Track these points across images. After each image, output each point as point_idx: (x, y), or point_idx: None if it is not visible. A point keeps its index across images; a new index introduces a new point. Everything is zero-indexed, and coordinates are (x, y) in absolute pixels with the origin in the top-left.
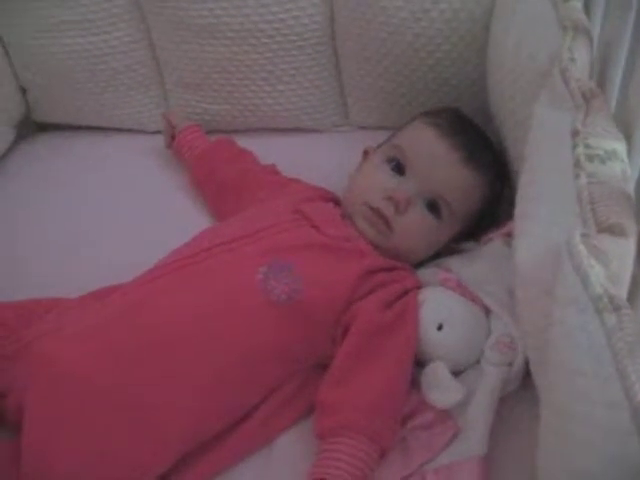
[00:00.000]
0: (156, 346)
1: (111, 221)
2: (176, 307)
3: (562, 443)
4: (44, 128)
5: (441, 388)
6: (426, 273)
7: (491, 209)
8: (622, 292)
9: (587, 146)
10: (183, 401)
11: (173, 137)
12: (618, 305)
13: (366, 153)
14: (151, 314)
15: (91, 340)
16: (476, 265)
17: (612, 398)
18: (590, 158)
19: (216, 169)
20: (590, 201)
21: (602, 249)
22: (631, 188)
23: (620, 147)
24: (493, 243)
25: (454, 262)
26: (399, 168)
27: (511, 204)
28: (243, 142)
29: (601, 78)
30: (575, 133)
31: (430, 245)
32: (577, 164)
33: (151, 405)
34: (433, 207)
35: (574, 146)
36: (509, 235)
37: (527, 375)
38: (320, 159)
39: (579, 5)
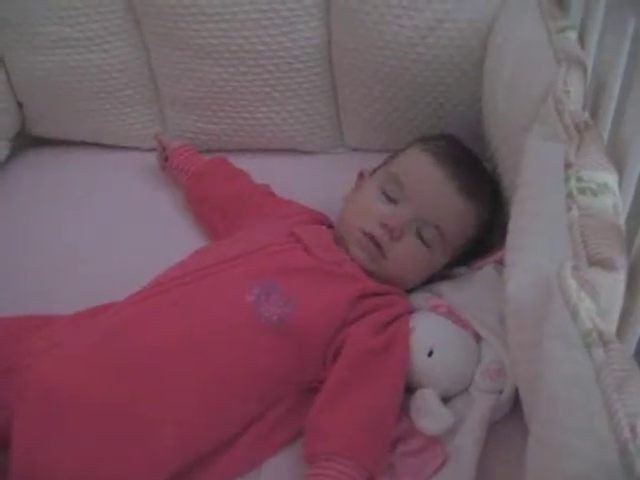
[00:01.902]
0: (146, 366)
1: (104, 238)
2: (167, 327)
3: (550, 476)
4: (40, 142)
5: (430, 415)
6: (417, 298)
7: (484, 237)
8: (611, 326)
9: (579, 179)
10: (171, 421)
11: (166, 158)
12: (607, 340)
13: (361, 176)
14: (142, 334)
15: (83, 358)
16: (467, 291)
17: (600, 433)
18: (582, 191)
19: (210, 189)
20: (581, 234)
21: (592, 283)
22: (622, 221)
23: (612, 180)
24: (484, 270)
25: (445, 288)
26: (394, 195)
27: (503, 231)
28: (238, 162)
29: (594, 108)
30: (568, 165)
31: (422, 272)
32: (569, 196)
33: (140, 424)
34: (427, 235)
35: (566, 179)
36: (500, 262)
37: (517, 402)
38: (315, 181)
39: (574, 36)
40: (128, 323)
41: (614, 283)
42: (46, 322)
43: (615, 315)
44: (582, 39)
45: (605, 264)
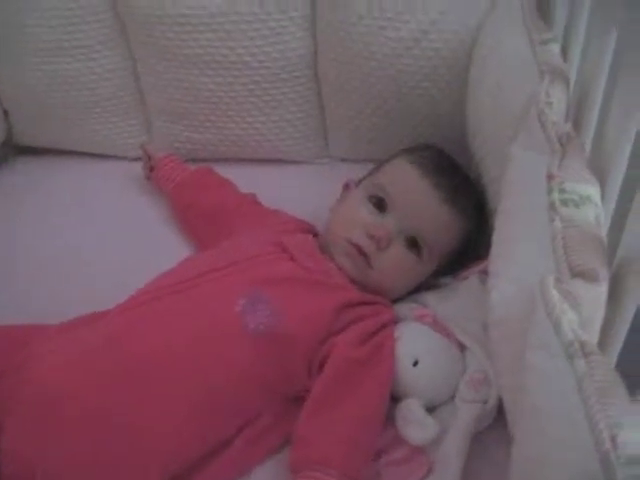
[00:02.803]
0: (137, 374)
1: (91, 248)
2: (155, 336)
3: None
4: (26, 151)
5: (415, 424)
6: (403, 308)
7: (469, 247)
8: (593, 337)
9: (562, 190)
10: (160, 428)
11: (152, 168)
12: (589, 351)
13: (346, 186)
14: (131, 343)
15: (76, 366)
16: (453, 301)
17: (582, 444)
18: (565, 202)
19: (196, 198)
20: (564, 245)
21: (574, 294)
22: (604, 233)
23: (594, 192)
24: (469, 280)
25: (431, 297)
26: (380, 205)
27: (489, 241)
28: (224, 171)
29: (577, 120)
30: (550, 177)
31: (408, 282)
32: (552, 208)
33: (130, 431)
34: (413, 245)
35: (549, 190)
36: (485, 272)
37: (501, 411)
38: (301, 191)
39: (557, 48)
40: (118, 332)
41: (596, 294)
42: (37, 331)
43: (597, 326)
44: (565, 51)
45: (587, 276)
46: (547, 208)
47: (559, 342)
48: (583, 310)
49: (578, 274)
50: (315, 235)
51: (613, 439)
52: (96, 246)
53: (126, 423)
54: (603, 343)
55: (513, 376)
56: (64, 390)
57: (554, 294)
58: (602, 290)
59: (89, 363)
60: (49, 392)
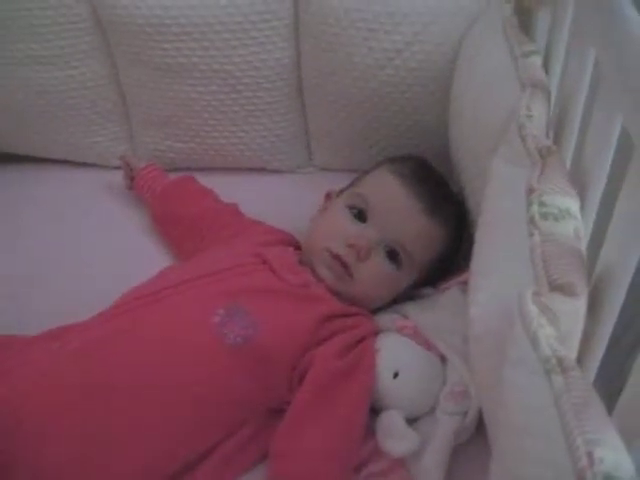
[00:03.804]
0: (106, 389)
1: (70, 257)
2: (130, 348)
3: None
4: (8, 159)
5: (396, 437)
6: (384, 319)
7: (450, 258)
8: (572, 352)
9: (542, 204)
10: (135, 443)
11: (133, 178)
12: (566, 366)
13: (328, 196)
14: (106, 356)
15: (47, 379)
16: (433, 313)
17: (559, 461)
18: (544, 216)
19: (177, 208)
20: (543, 259)
21: (553, 308)
22: (583, 246)
23: (574, 205)
24: (450, 291)
25: (412, 309)
26: (361, 215)
27: (470, 252)
28: (207, 181)
29: (558, 133)
30: (530, 190)
31: (389, 292)
32: (531, 222)
33: (100, 447)
34: (393, 255)
35: (529, 204)
36: (466, 284)
37: (481, 424)
38: (283, 200)
39: (538, 61)
40: (89, 344)
41: (574, 309)
42: (7, 343)
43: (575, 341)
44: (546, 65)
45: (565, 289)
46: (527, 222)
47: (537, 357)
48: (561, 324)
49: (556, 288)
50: (296, 247)
51: (590, 456)
52: (75, 255)
53: (94, 439)
54: (582, 357)
55: (492, 391)
56: (32, 405)
57: (532, 309)
58: (581, 304)
59: (58, 377)
60: (15, 406)
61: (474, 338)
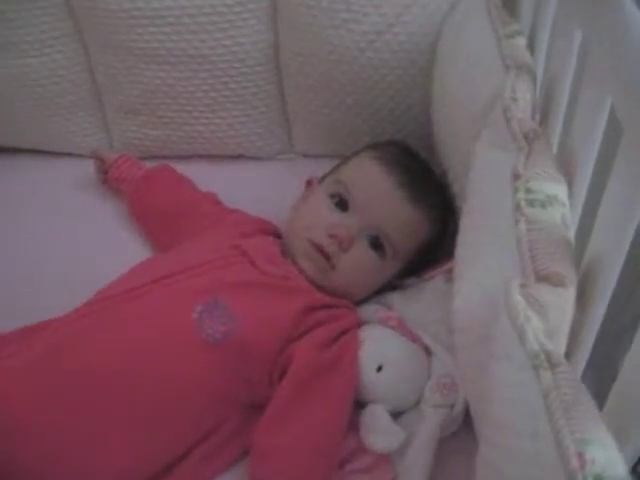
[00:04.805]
0: (85, 389)
1: (44, 250)
2: (106, 347)
3: None
4: None
5: (380, 432)
6: (367, 310)
7: (435, 247)
8: (560, 346)
9: (528, 190)
10: (114, 441)
11: (106, 172)
12: (555, 362)
13: (309, 183)
14: (80, 355)
15: (19, 377)
16: (418, 303)
17: (548, 461)
18: (531, 203)
19: (153, 197)
20: (529, 248)
21: (540, 300)
22: (571, 234)
23: (561, 191)
24: (435, 280)
25: (395, 299)
26: (342, 204)
27: (454, 240)
28: (184, 169)
29: (544, 116)
30: (516, 176)
31: (372, 283)
32: (517, 209)
33: (81, 445)
34: (376, 245)
35: (515, 190)
36: (450, 272)
37: (468, 416)
38: (263, 188)
39: (523, 42)
40: (61, 343)
41: (563, 300)
42: None
43: (564, 333)
44: (532, 45)
45: (553, 280)
46: (512, 209)
47: (524, 352)
48: (549, 317)
49: (544, 278)
50: (278, 236)
51: (580, 456)
52: (48, 248)
53: (69, 438)
54: (571, 349)
55: (477, 385)
56: (4, 404)
57: (519, 300)
58: (569, 295)
59: (30, 376)
60: None
61: (458, 329)
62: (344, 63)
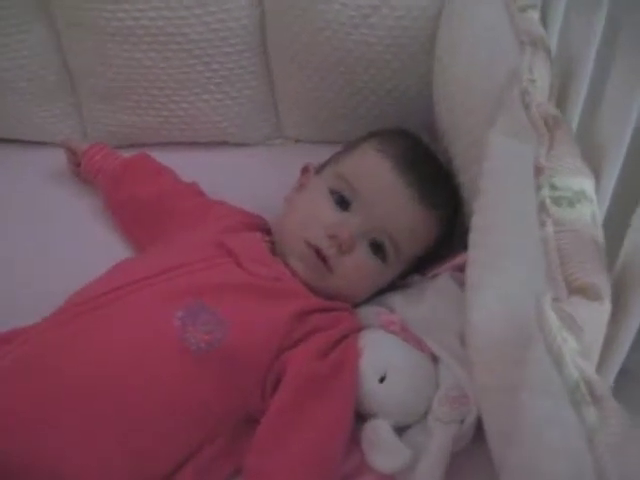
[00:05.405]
0: (58, 404)
1: (9, 249)
2: (82, 358)
3: None
4: None
5: (384, 450)
6: (367, 313)
7: (441, 246)
8: (592, 365)
9: (553, 187)
10: (92, 459)
11: (78, 164)
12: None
13: (305, 170)
14: (45, 368)
15: None
16: (422, 305)
17: None
18: (556, 201)
19: (131, 190)
20: (559, 255)
21: (575, 316)
22: (601, 234)
23: (589, 186)
24: (440, 278)
25: (398, 300)
26: (343, 201)
27: (460, 237)
28: (164, 158)
29: (561, 99)
30: (539, 171)
31: (372, 286)
32: (542, 209)
33: (57, 463)
34: (379, 248)
35: (538, 187)
36: (457, 269)
37: (480, 429)
38: (250, 177)
39: (536, 16)
40: (31, 354)
41: (598, 314)
42: None
43: (596, 352)
44: (544, 19)
45: (589, 293)
46: (536, 208)
47: (562, 382)
48: (585, 335)
49: (577, 290)
50: (267, 232)
51: None
52: (16, 246)
53: (50, 458)
54: (601, 364)
55: (499, 411)
56: None
57: (553, 320)
58: (605, 309)
59: (6, 382)
60: None
61: (475, 345)
62: (337, 40)
